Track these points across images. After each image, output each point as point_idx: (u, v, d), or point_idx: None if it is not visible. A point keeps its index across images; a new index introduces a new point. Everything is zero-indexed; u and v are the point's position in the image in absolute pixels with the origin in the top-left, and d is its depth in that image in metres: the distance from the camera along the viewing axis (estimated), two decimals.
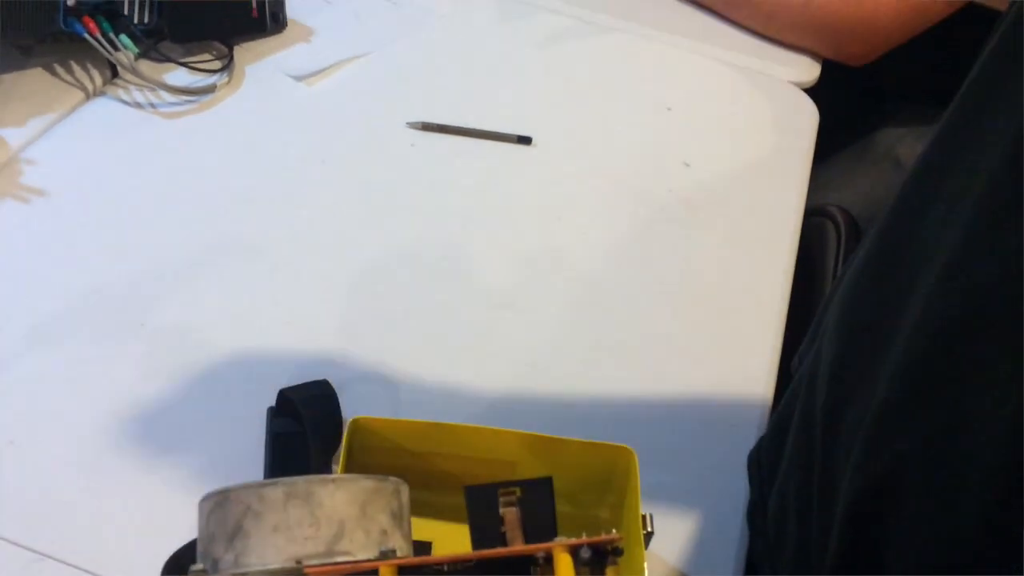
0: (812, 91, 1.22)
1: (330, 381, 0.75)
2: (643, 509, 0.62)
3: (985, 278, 0.43)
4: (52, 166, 0.93)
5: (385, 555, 0.45)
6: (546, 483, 0.50)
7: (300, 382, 0.74)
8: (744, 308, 0.92)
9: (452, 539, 0.68)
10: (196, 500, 0.67)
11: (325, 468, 0.69)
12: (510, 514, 0.50)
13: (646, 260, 0.95)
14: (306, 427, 0.69)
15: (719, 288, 0.93)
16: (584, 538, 0.49)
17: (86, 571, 0.63)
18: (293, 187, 0.96)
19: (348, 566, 0.43)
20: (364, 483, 0.46)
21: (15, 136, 0.95)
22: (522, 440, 0.67)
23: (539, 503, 0.50)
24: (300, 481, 0.44)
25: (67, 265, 0.84)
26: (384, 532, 0.46)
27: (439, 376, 0.80)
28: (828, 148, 1.23)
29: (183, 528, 0.64)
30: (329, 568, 0.43)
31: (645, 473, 0.64)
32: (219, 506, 0.45)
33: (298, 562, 0.43)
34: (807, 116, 1.17)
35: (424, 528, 0.68)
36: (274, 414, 0.73)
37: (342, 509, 0.45)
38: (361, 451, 0.67)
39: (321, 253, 0.90)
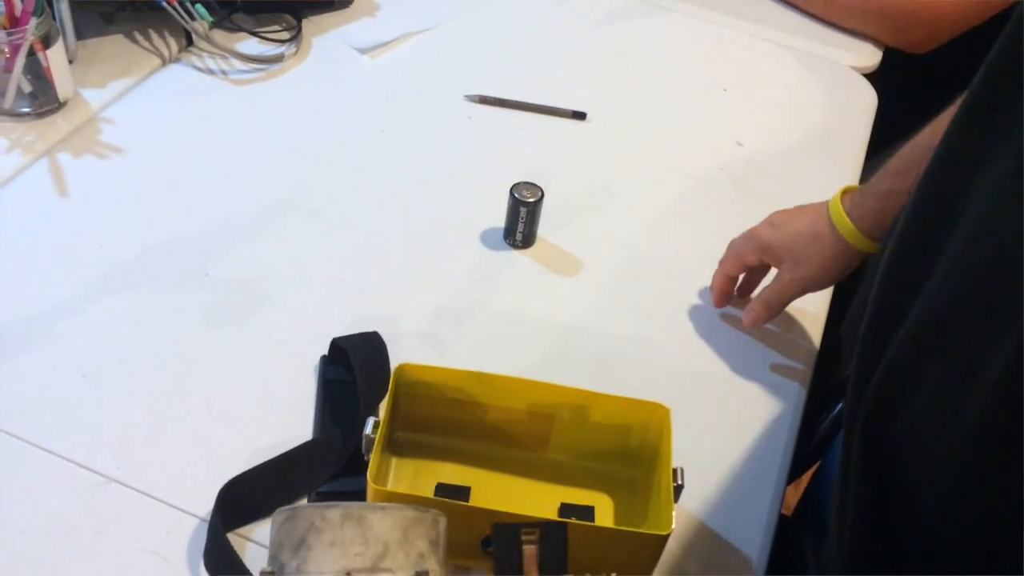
0: (874, 78, 1.22)
1: (380, 334, 0.78)
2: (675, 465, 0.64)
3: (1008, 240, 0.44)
4: (129, 126, 0.99)
5: (420, 575, 0.51)
6: (562, 527, 0.56)
7: (351, 333, 0.78)
8: None
9: (488, 486, 0.70)
10: (250, 436, 0.71)
11: (372, 414, 0.72)
12: (529, 551, 0.55)
13: (693, 235, 0.96)
14: (356, 375, 0.73)
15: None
16: None
17: (147, 495, 0.68)
18: (353, 153, 1.00)
19: None
20: (408, 512, 0.53)
21: (96, 97, 1.01)
22: (560, 394, 0.69)
23: (555, 543, 0.55)
24: (355, 506, 0.52)
25: (139, 218, 0.89)
26: (421, 555, 0.53)
27: (484, 336, 0.83)
28: (889, 137, 1.22)
29: (236, 461, 0.68)
30: None
31: (680, 435, 0.66)
32: (288, 520, 0.53)
33: (348, 574, 0.50)
34: (865, 100, 1.17)
35: (463, 475, 0.71)
36: (326, 362, 0.77)
37: (387, 533, 0.52)
38: (407, 399, 0.70)
39: (377, 216, 0.93)
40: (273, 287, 0.84)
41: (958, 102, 0.58)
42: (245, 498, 0.66)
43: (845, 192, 0.79)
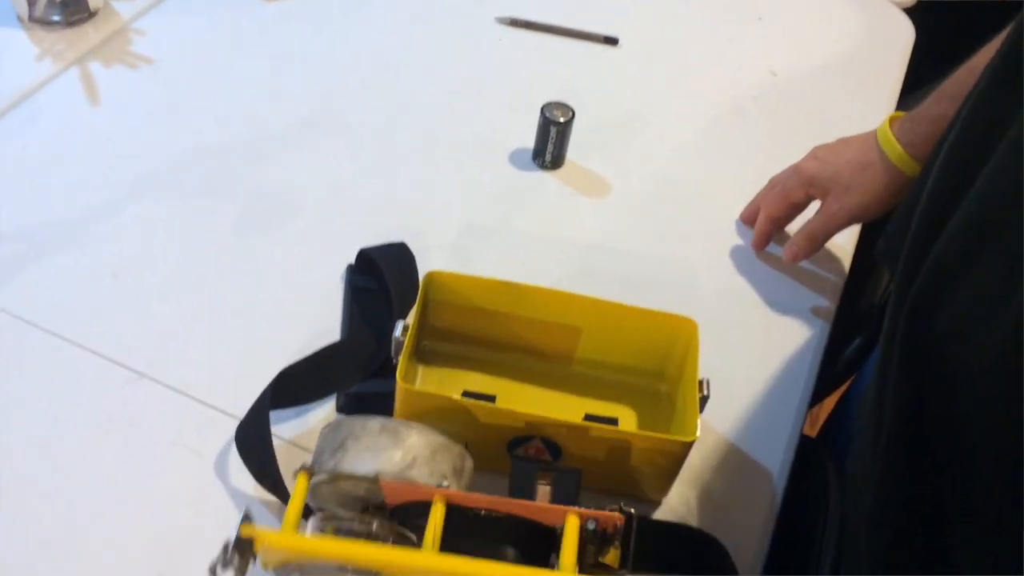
0: (912, 13, 1.19)
1: (408, 246, 0.78)
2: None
3: None
4: (159, 37, 0.98)
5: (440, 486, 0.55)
6: (576, 472, 0.57)
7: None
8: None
9: (513, 396, 0.71)
10: (279, 340, 0.72)
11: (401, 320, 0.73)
12: (543, 491, 0.57)
13: (725, 163, 0.95)
14: (386, 281, 0.73)
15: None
16: (593, 511, 0.54)
17: (177, 390, 0.69)
18: (384, 72, 0.99)
19: (410, 487, 0.55)
20: (439, 437, 0.57)
21: (127, 8, 1.01)
22: (589, 305, 0.69)
23: (567, 488, 0.57)
24: (393, 421, 0.57)
25: (169, 127, 0.89)
26: (444, 476, 0.56)
27: (511, 254, 0.83)
28: (926, 72, 1.20)
29: (267, 363, 0.69)
30: (397, 485, 0.55)
31: (707, 354, 0.66)
32: (332, 429, 0.58)
33: (377, 474, 0.55)
34: (902, 34, 1.15)
35: (489, 384, 0.72)
36: (354, 271, 0.77)
37: (418, 448, 0.56)
38: (435, 307, 0.71)
39: (406, 133, 0.93)
40: (301, 199, 0.85)
41: (1010, 26, 0.57)
42: (286, 386, 0.67)
43: (893, 119, 0.78)
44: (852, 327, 0.83)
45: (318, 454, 0.58)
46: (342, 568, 0.51)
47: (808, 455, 0.75)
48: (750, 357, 0.78)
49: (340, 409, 0.69)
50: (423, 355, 0.73)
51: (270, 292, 0.77)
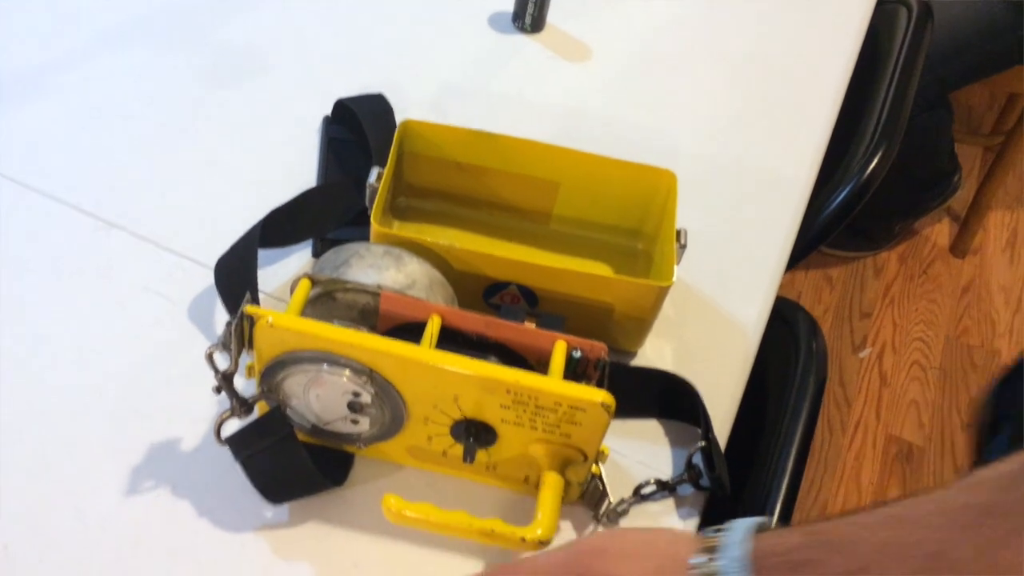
0: None
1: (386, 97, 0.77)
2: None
3: None
4: None
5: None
6: (560, 318, 0.59)
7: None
8: (804, 82, 0.91)
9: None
10: (252, 191, 0.71)
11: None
12: (530, 323, 0.57)
13: (712, 34, 0.93)
14: (364, 130, 0.71)
15: (782, 64, 0.92)
16: (579, 339, 0.55)
17: (149, 240, 0.68)
18: None
19: (410, 299, 0.55)
20: (437, 273, 0.59)
21: None
22: (568, 157, 0.68)
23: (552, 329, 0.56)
24: (396, 248, 0.59)
25: None
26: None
27: (489, 116, 0.81)
28: None
29: (239, 214, 0.68)
30: (397, 297, 0.55)
31: (685, 214, 0.65)
32: (335, 252, 0.59)
33: (379, 287, 0.55)
34: None
35: (466, 242, 0.71)
36: (330, 122, 0.76)
37: (418, 275, 0.58)
38: (411, 160, 0.70)
39: None
40: (275, 54, 0.82)
41: None
42: (269, 227, 0.66)
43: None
44: (829, 194, 0.82)
45: (316, 272, 0.57)
46: (333, 360, 0.51)
47: (785, 317, 0.75)
48: (729, 219, 0.77)
49: (316, 255, 0.68)
50: (399, 212, 0.72)
51: (243, 145, 0.75)
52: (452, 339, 0.55)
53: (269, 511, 0.56)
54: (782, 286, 0.77)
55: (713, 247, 0.74)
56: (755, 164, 0.82)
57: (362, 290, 0.55)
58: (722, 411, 0.65)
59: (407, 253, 0.58)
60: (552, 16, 0.90)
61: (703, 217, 0.76)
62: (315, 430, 0.57)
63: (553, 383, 0.51)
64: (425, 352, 0.52)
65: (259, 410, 0.56)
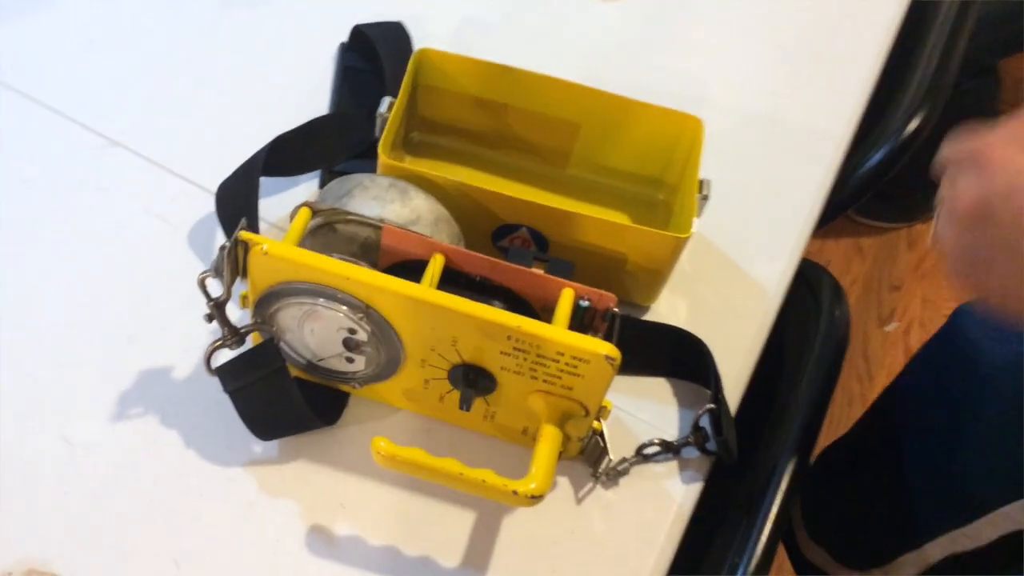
0: None
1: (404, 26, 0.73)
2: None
3: None
4: None
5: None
6: (569, 265, 0.55)
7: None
8: (847, 33, 0.86)
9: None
10: (262, 117, 0.68)
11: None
12: (537, 268, 0.54)
13: None
14: (380, 59, 0.68)
15: (825, 13, 0.87)
16: (588, 288, 0.52)
17: (152, 161, 0.65)
18: None
19: (414, 235, 0.52)
20: (442, 209, 0.56)
21: None
22: (590, 97, 0.65)
23: (561, 276, 0.54)
24: (402, 181, 0.56)
25: None
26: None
27: (513, 51, 0.77)
28: None
29: (247, 138, 0.65)
30: (399, 231, 0.52)
31: (712, 165, 0.61)
32: (339, 181, 0.56)
33: (381, 220, 0.52)
34: None
35: (478, 182, 0.68)
36: (346, 48, 0.72)
37: (423, 211, 0.55)
38: (427, 93, 0.66)
39: None
40: None
41: None
42: (276, 154, 0.63)
43: None
44: (865, 151, 0.78)
45: (321, 200, 0.55)
46: (329, 294, 0.49)
47: (808, 278, 0.72)
48: (757, 173, 0.74)
49: (323, 186, 0.66)
50: (412, 147, 0.69)
51: (256, 68, 0.72)
52: (455, 280, 0.53)
53: (259, 446, 0.55)
54: (810, 253, 0.73)
55: (738, 201, 0.71)
56: (789, 117, 0.78)
57: (364, 222, 0.53)
58: (735, 373, 0.62)
59: (413, 187, 0.56)
60: None
61: (730, 169, 0.72)
62: (309, 366, 0.55)
63: (556, 332, 0.49)
64: (424, 290, 0.49)
65: (253, 342, 0.54)
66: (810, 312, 0.72)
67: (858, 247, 1.76)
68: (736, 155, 0.74)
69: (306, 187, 0.66)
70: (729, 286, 0.67)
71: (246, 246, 0.49)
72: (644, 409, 0.60)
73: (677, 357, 0.61)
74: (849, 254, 1.74)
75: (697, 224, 0.60)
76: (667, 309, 0.65)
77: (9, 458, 0.52)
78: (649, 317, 0.64)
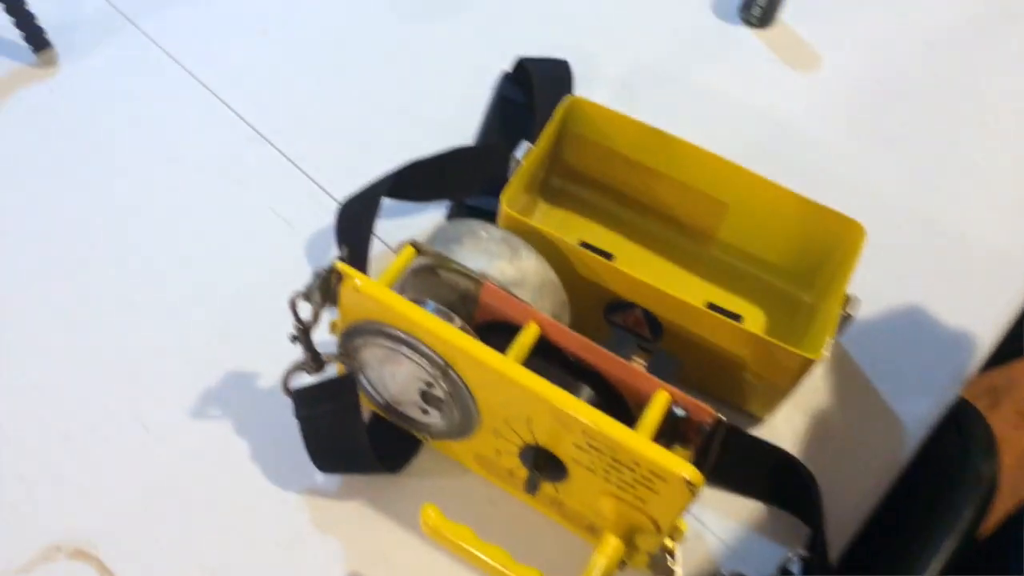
0: None
1: (569, 65, 0.70)
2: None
3: None
4: None
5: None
6: (676, 362, 0.51)
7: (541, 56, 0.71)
8: None
9: (633, 260, 0.63)
10: (408, 135, 0.67)
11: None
12: (637, 363, 0.50)
13: (973, 67, 0.79)
14: (535, 98, 0.66)
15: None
16: (687, 396, 0.47)
17: (293, 162, 0.66)
18: None
19: (513, 299, 0.49)
20: (553, 276, 0.53)
21: None
22: (746, 180, 0.59)
23: (663, 374, 0.48)
24: (516, 238, 0.53)
25: None
26: (542, 311, 0.51)
27: (682, 107, 0.73)
28: None
29: (388, 156, 0.64)
30: (499, 292, 0.49)
31: (870, 273, 0.55)
32: (454, 224, 0.54)
33: (483, 276, 0.50)
34: None
35: (611, 241, 0.64)
36: (507, 80, 0.70)
37: (531, 273, 0.52)
38: (573, 141, 0.63)
39: None
40: None
41: None
42: (407, 178, 0.62)
43: None
44: None
45: (430, 241, 0.54)
46: (411, 344, 0.47)
47: (960, 421, 0.63)
48: (922, 291, 0.66)
49: (450, 218, 0.64)
50: (551, 192, 0.66)
51: (414, 85, 0.71)
52: (547, 354, 0.49)
53: (320, 476, 0.53)
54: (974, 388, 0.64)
55: (895, 319, 0.63)
56: (972, 231, 0.69)
57: (465, 274, 0.50)
58: (847, 516, 0.55)
59: (526, 246, 0.52)
60: (786, 11, 0.80)
61: (892, 280, 0.65)
62: (387, 406, 0.53)
63: (637, 439, 0.44)
64: (506, 363, 0.46)
65: (338, 370, 0.52)
66: (954, 459, 0.63)
67: None
68: (904, 264, 0.66)
69: (434, 213, 0.64)
70: (862, 414, 0.60)
71: (339, 276, 0.48)
72: (729, 532, 0.54)
73: (780, 483, 0.55)
74: None
75: (837, 341, 0.53)
76: (783, 424, 0.58)
77: (87, 431, 0.53)
78: (761, 429, 0.58)
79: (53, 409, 0.53)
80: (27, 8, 0.66)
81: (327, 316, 0.50)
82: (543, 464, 0.48)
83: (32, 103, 0.66)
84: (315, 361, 0.50)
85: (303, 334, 0.49)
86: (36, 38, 0.67)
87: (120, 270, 0.59)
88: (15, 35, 0.67)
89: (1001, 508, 0.64)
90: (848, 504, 0.56)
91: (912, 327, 0.64)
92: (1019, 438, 1.29)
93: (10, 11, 0.66)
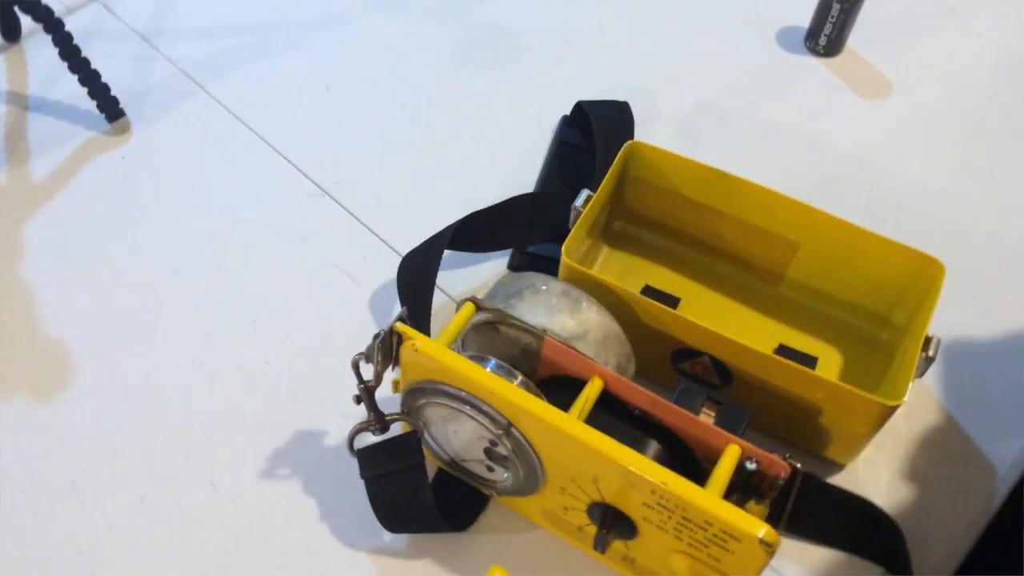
0: None
1: (630, 107, 0.69)
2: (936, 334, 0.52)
3: None
4: None
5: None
6: (745, 412, 0.48)
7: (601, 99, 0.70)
8: None
9: (700, 303, 0.62)
10: (470, 184, 0.67)
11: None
12: (705, 418, 0.48)
13: None
14: (595, 142, 0.65)
15: None
16: (758, 449, 0.45)
17: (355, 216, 0.66)
18: None
19: (575, 354, 0.49)
20: (616, 326, 0.52)
21: None
22: (816, 219, 0.57)
23: (731, 426, 0.47)
24: (577, 290, 0.52)
25: None
26: (606, 363, 0.50)
27: (748, 143, 0.71)
28: None
29: (450, 206, 0.64)
30: (561, 347, 0.49)
31: (953, 311, 0.52)
32: (514, 277, 0.54)
33: (544, 331, 0.49)
34: None
35: (677, 285, 0.63)
36: (566, 123, 0.70)
37: (593, 325, 0.51)
38: (635, 185, 0.62)
39: None
40: (532, 39, 0.78)
41: None
42: (468, 229, 0.62)
43: None
44: None
45: (490, 296, 0.53)
46: (473, 403, 0.47)
47: None
48: (1007, 327, 0.62)
49: (512, 268, 0.63)
50: (613, 237, 0.65)
51: (475, 135, 0.71)
52: (612, 408, 0.48)
53: (388, 535, 0.53)
54: None
55: (980, 355, 0.60)
56: None
57: (526, 329, 0.50)
58: (937, 562, 0.53)
59: (587, 298, 0.52)
60: (854, 38, 0.77)
61: (979, 317, 0.62)
62: (452, 463, 0.53)
63: (707, 498, 0.43)
64: (568, 421, 0.45)
65: (402, 428, 0.52)
66: None
67: None
68: (992, 299, 0.63)
69: (497, 263, 0.64)
70: (949, 457, 0.57)
71: (400, 337, 0.48)
72: None
73: (863, 533, 0.52)
74: None
75: (920, 383, 0.51)
76: (866, 471, 0.56)
77: (161, 493, 0.54)
78: (842, 477, 0.56)
79: (129, 472, 0.55)
80: (102, 81, 0.69)
81: (392, 375, 0.50)
82: (611, 522, 0.47)
83: (107, 170, 0.69)
84: (379, 421, 0.50)
85: (366, 394, 0.49)
86: (110, 108, 0.70)
87: (191, 332, 0.61)
88: (90, 104, 0.70)
89: None
90: (938, 552, 0.53)
91: (998, 365, 0.60)
92: None
93: (84, 82, 0.69)
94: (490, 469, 0.51)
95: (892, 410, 0.50)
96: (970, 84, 0.76)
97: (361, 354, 0.49)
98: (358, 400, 0.50)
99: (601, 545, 0.48)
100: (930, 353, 0.51)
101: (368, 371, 0.49)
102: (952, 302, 0.54)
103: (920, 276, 0.55)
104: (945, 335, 0.53)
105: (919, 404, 0.58)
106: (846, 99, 0.75)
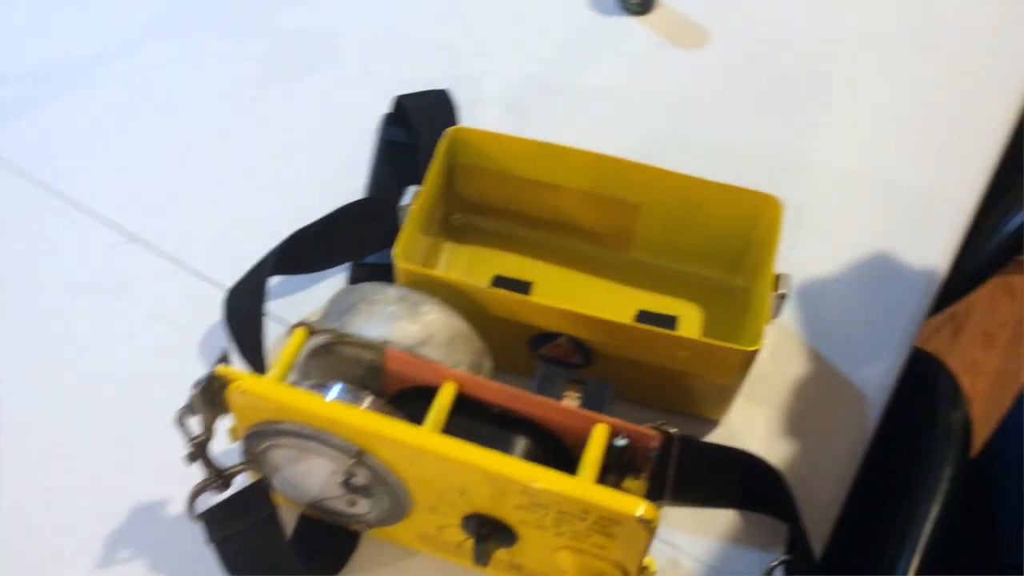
0: None
1: (450, 94, 0.66)
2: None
3: None
4: None
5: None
6: (606, 388, 0.45)
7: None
8: (976, 84, 0.73)
9: (554, 283, 0.59)
10: (292, 203, 0.62)
11: None
12: (569, 401, 0.45)
13: (863, 17, 0.77)
14: (419, 137, 0.61)
15: (949, 63, 0.75)
16: (626, 423, 0.43)
17: (170, 258, 0.61)
18: None
19: (420, 361, 0.45)
20: (461, 323, 0.48)
21: None
22: (651, 177, 0.56)
23: (595, 405, 0.45)
24: (414, 293, 0.48)
25: None
26: (457, 365, 0.47)
27: (578, 112, 0.70)
28: None
29: (273, 230, 0.59)
30: (404, 356, 0.45)
31: (797, 248, 0.51)
32: (344, 292, 0.50)
33: (384, 342, 0.45)
34: None
35: (527, 268, 0.60)
36: (388, 122, 0.66)
37: (436, 327, 0.47)
38: (465, 173, 0.59)
39: None
40: (339, 41, 0.73)
41: None
42: (295, 249, 0.57)
43: None
44: (997, 220, 0.65)
45: (324, 317, 0.49)
46: (317, 436, 0.42)
47: (921, 375, 0.60)
48: (858, 251, 0.62)
49: (352, 281, 0.59)
50: (455, 230, 0.62)
51: (288, 149, 0.67)
52: (471, 411, 0.45)
53: None
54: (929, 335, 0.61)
55: (833, 284, 0.60)
56: (899, 182, 0.66)
57: (364, 344, 0.46)
58: (824, 501, 0.52)
59: (427, 299, 0.48)
60: None
61: (826, 247, 0.62)
62: (312, 505, 0.48)
63: (578, 486, 0.40)
64: (421, 435, 0.42)
65: (251, 477, 0.47)
66: (922, 417, 0.60)
67: (1008, 287, 1.56)
68: (834, 228, 0.63)
69: (335, 281, 0.60)
70: (819, 392, 0.56)
71: (222, 381, 0.43)
72: (706, 549, 0.50)
73: (747, 486, 0.51)
74: (996, 295, 1.55)
75: (780, 321, 0.50)
76: (740, 423, 0.55)
77: None
78: (719, 433, 0.54)
79: None
80: None
81: (226, 423, 0.45)
82: (488, 532, 0.44)
83: None
84: (218, 477, 0.46)
85: (198, 450, 0.45)
86: None
87: None
88: None
89: (981, 434, 0.61)
90: (824, 489, 0.52)
91: (853, 289, 0.60)
92: (989, 358, 1.27)
93: None
94: (352, 503, 0.47)
95: (753, 355, 0.48)
96: (784, 20, 0.77)
97: (184, 408, 0.44)
98: (192, 458, 0.45)
99: (482, 558, 0.45)
100: (780, 291, 0.50)
101: (197, 424, 0.44)
102: (798, 239, 0.53)
103: (761, 216, 0.54)
104: (797, 272, 0.52)
105: (783, 345, 0.57)
106: (666, 53, 0.74)
